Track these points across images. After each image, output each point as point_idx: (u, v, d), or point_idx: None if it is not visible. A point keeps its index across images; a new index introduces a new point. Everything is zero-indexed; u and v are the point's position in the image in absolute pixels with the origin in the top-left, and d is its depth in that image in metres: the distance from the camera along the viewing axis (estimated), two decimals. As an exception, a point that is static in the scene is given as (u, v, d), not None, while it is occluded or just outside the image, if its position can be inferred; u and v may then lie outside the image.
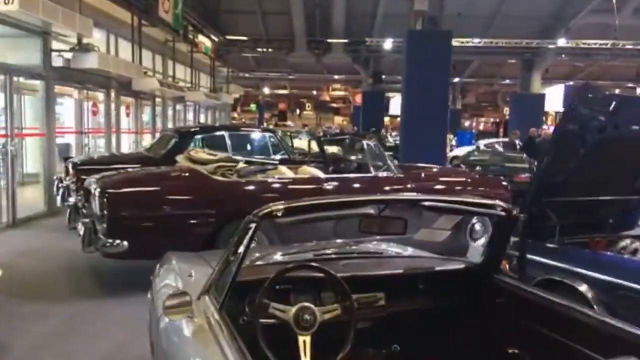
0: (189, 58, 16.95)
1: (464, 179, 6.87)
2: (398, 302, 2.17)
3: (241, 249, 1.83)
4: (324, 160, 6.63)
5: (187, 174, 5.38)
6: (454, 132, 26.06)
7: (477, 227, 5.72)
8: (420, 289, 2.27)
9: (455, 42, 15.79)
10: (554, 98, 26.91)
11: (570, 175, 3.59)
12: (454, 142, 22.59)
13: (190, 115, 19.09)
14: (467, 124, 40.74)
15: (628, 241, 3.62)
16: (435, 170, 7.23)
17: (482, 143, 18.58)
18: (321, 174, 5.83)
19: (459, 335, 2.26)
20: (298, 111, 46.70)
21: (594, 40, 20.80)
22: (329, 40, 21.76)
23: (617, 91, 29.54)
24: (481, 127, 40.59)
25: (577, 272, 3.14)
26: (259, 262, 2.37)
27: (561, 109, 22.47)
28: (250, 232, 1.83)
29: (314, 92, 43.47)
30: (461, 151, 17.60)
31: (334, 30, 20.90)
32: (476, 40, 20.44)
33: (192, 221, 4.95)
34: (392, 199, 2.16)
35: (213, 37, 19.26)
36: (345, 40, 21.79)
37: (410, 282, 2.24)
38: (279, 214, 1.79)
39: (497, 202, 2.08)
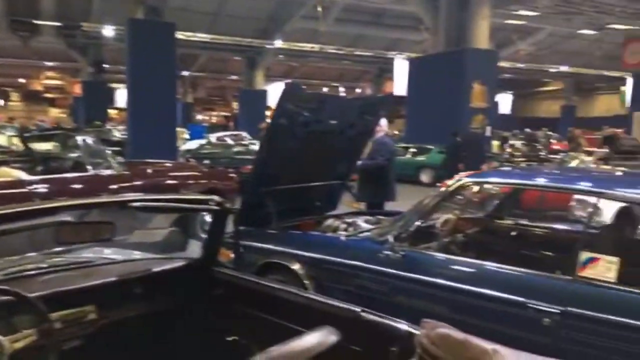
0: None
1: (193, 173, 6.89)
2: (112, 312, 2.01)
3: None
4: (30, 160, 5.76)
5: None
6: (186, 125, 25.99)
7: (208, 218, 5.79)
8: (138, 294, 2.15)
9: (180, 35, 15.66)
10: (276, 94, 29.25)
11: (284, 165, 3.92)
12: (186, 136, 22.53)
13: None
14: (199, 117, 41.11)
15: (331, 220, 4.16)
16: (163, 165, 7.06)
17: (213, 136, 19.01)
18: (24, 176, 5.03)
19: (180, 333, 2.23)
20: (2, 102, 39.67)
21: (305, 43, 23.42)
22: (36, 22, 19.01)
23: (324, 89, 34.09)
24: (213, 120, 41.52)
25: (290, 252, 3.46)
26: None
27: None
28: None
29: (22, 80, 37.47)
30: (194, 145, 17.65)
31: (43, 11, 18.34)
32: (201, 35, 20.71)
33: None
34: (91, 203, 1.97)
35: None
36: (58, 24, 19.37)
37: (125, 289, 2.09)
38: None
39: (211, 197, 2.10)
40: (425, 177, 13.86)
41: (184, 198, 2.11)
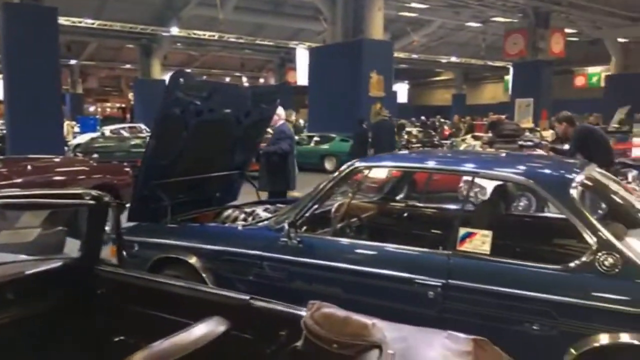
0: None
1: (83, 168, 6.46)
2: None
3: None
4: None
5: None
6: (75, 118, 24.26)
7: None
8: (11, 299, 1.98)
9: (64, 21, 14.52)
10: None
11: (177, 156, 3.79)
12: (77, 129, 21.02)
13: None
14: (91, 109, 38.51)
15: (230, 211, 4.11)
16: (49, 161, 6.54)
17: (107, 129, 17.92)
18: None
19: (62, 337, 2.09)
20: None
21: (203, 31, 22.74)
22: None
23: (227, 79, 33.46)
24: (107, 112, 39.10)
25: (187, 246, 3.37)
26: None
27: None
28: None
29: None
30: (85, 138, 16.53)
31: None
32: (89, 20, 19.35)
33: None
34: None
35: None
36: None
37: None
38: None
39: (87, 190, 1.98)
40: (329, 165, 14.15)
41: (53, 193, 1.97)
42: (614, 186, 3.12)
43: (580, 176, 2.67)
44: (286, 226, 2.99)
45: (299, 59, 22.41)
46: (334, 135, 14.60)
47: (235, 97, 4.11)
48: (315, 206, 3.15)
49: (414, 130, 19.79)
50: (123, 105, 39.14)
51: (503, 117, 19.94)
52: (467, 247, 2.64)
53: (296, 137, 16.12)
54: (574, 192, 2.52)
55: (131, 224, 3.98)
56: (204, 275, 3.27)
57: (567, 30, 22.50)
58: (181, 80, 3.40)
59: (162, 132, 3.60)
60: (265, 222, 3.39)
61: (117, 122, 26.36)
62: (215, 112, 3.87)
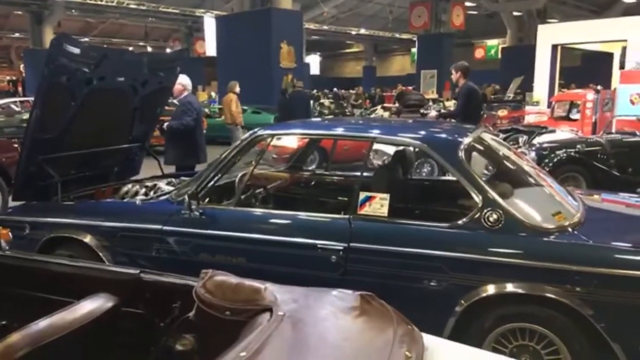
0: None
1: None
2: None
3: None
4: None
5: None
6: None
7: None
8: None
9: None
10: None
11: (66, 128, 3.52)
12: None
13: None
14: (-24, 83, 34.84)
15: (130, 186, 3.91)
16: None
17: (-5, 104, 16.29)
18: None
19: None
20: None
21: (101, -3, 21.19)
22: None
23: (130, 49, 31.56)
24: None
25: (80, 224, 3.17)
26: None
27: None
28: None
29: None
30: (-32, 114, 14.92)
31: None
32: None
33: None
34: None
35: None
36: None
37: None
38: None
39: None
40: (242, 137, 13.91)
41: None
42: (502, 149, 3.33)
43: (469, 139, 2.82)
44: (187, 198, 2.90)
45: (207, 29, 21.61)
46: (245, 107, 14.34)
47: (129, 65, 3.86)
48: (218, 177, 3.07)
49: (326, 102, 19.98)
50: (14, 78, 35.72)
51: (410, 88, 20.71)
52: (366, 210, 2.71)
53: (206, 110, 15.75)
54: (463, 154, 2.65)
55: (18, 203, 3.68)
56: (100, 254, 3.10)
57: (467, 4, 23.59)
58: (65, 45, 3.13)
59: (47, 102, 3.31)
60: (166, 196, 3.27)
61: (8, 96, 24.03)
62: (107, 80, 3.62)
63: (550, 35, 14.60)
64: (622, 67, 12.92)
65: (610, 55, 16.54)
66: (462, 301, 2.46)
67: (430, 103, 14.45)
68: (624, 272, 2.28)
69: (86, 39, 27.64)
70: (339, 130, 3.37)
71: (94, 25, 29.72)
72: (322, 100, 20.31)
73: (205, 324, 1.55)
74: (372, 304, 1.42)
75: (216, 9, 22.99)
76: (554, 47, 14.38)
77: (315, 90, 22.30)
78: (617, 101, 9.77)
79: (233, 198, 3.18)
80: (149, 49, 33.29)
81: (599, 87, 10.76)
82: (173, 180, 4.10)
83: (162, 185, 3.89)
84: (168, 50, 33.39)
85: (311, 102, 13.66)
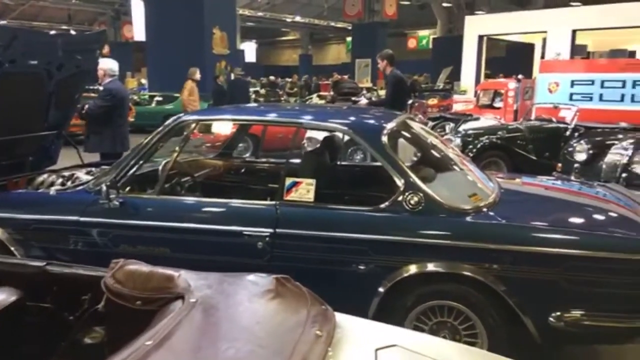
0: None
1: None
2: None
3: None
4: None
5: None
6: None
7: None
8: None
9: None
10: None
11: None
12: None
13: None
14: None
15: (45, 176, 3.69)
16: None
17: None
18: None
19: None
20: None
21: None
22: None
23: (52, 32, 29.73)
24: None
25: (-11, 216, 2.96)
26: None
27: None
28: None
29: None
30: None
31: None
32: None
33: None
34: None
35: None
36: None
37: None
38: None
39: None
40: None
41: None
42: (425, 135, 3.43)
43: (392, 124, 2.87)
44: (104, 187, 2.77)
45: (134, 12, 20.70)
46: (177, 94, 13.92)
47: (43, 46, 3.62)
48: (138, 164, 2.96)
49: (262, 90, 19.80)
50: None
51: (346, 77, 20.90)
52: (292, 196, 2.71)
53: (134, 97, 15.13)
54: (386, 139, 2.71)
55: None
56: (12, 248, 2.91)
57: (400, -6, 24.05)
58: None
59: None
60: (83, 186, 3.11)
61: None
62: (18, 63, 3.38)
63: (477, 26, 15.20)
64: (543, 57, 13.69)
65: (532, 46, 17.46)
66: (386, 282, 2.53)
67: (365, 91, 14.66)
68: (533, 249, 2.43)
69: (3, 22, 25.71)
70: (266, 116, 3.33)
71: (12, 7, 27.70)
72: (256, 88, 20.13)
73: (116, 315, 1.49)
74: (287, 286, 1.42)
75: (145, -9, 22.06)
76: (480, 37, 15.00)
77: (249, 78, 21.98)
78: (536, 89, 10.34)
79: (157, 186, 3.07)
80: (73, 33, 31.52)
81: (520, 77, 11.32)
82: (93, 169, 3.91)
83: (81, 175, 3.70)
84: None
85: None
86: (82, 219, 2.86)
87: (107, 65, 5.59)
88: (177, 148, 3.03)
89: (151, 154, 3.01)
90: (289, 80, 24.13)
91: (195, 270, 1.60)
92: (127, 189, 2.97)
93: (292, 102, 14.19)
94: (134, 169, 2.94)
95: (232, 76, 11.20)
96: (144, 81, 20.96)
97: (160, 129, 3.02)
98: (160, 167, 3.28)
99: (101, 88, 5.91)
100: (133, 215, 2.81)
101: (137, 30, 20.60)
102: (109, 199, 2.78)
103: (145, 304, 1.42)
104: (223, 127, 4.38)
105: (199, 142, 6.70)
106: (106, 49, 28.40)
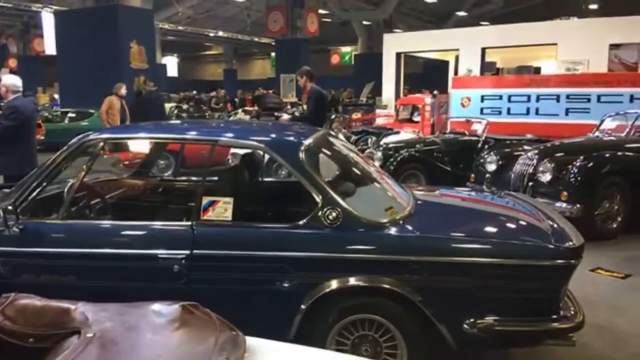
0: None
1: None
2: None
3: None
4: None
5: None
6: None
7: None
8: None
9: None
10: None
11: None
12: None
13: None
14: None
15: None
16: None
17: None
18: None
19: None
20: None
21: None
22: None
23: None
24: None
25: None
26: None
27: None
28: None
29: None
30: None
31: None
32: None
33: None
34: None
35: None
36: None
37: None
38: None
39: None
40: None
41: None
42: (344, 150, 3.47)
43: (309, 140, 2.88)
44: (1, 213, 2.55)
45: (45, 25, 19.59)
46: (92, 110, 13.26)
47: None
48: (41, 187, 2.75)
49: (185, 105, 19.33)
50: None
51: (270, 91, 20.90)
52: (209, 215, 2.63)
53: (45, 113, 14.25)
54: (303, 156, 2.70)
55: None
56: None
57: (321, 11, 24.50)
58: None
59: None
60: (-21, 211, 2.84)
61: None
62: None
63: (395, 44, 15.79)
64: (456, 73, 14.44)
65: (447, 63, 18.39)
66: (307, 298, 2.50)
67: (289, 106, 14.74)
68: (446, 259, 2.51)
69: None
70: (181, 134, 3.23)
71: None
72: (179, 104, 19.62)
73: (7, 355, 1.36)
74: (194, 313, 1.36)
75: (55, 4, 20.95)
76: (398, 55, 15.58)
77: (168, 95, 21.40)
78: (450, 104, 10.88)
79: (62, 210, 2.87)
80: (-25, 46, 29.28)
81: (435, 92, 11.87)
82: (-7, 193, 3.61)
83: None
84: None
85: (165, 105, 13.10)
86: (-26, 248, 2.62)
87: (10, 81, 5.24)
88: (84, 168, 2.85)
89: (55, 176, 2.81)
90: (213, 94, 23.76)
91: (106, 299, 1.50)
92: (29, 214, 2.75)
93: (216, 118, 13.94)
94: (36, 192, 2.74)
95: (142, 91, 10.81)
96: (56, 96, 19.79)
97: (65, 148, 2.84)
98: (65, 190, 3.08)
99: (3, 105, 5.51)
100: (35, 242, 2.61)
101: (48, 44, 19.48)
102: (7, 226, 2.56)
103: (38, 342, 1.31)
104: (138, 145, 4.20)
105: (114, 161, 6.40)
106: (13, 63, 26.70)
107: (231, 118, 12.89)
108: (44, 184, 2.77)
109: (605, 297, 3.93)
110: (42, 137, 10.58)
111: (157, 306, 1.39)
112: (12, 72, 21.86)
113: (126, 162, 4.40)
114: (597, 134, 6.66)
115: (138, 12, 14.22)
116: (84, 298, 1.47)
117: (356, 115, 14.69)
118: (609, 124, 6.76)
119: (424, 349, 2.52)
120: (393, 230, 2.60)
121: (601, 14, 20.98)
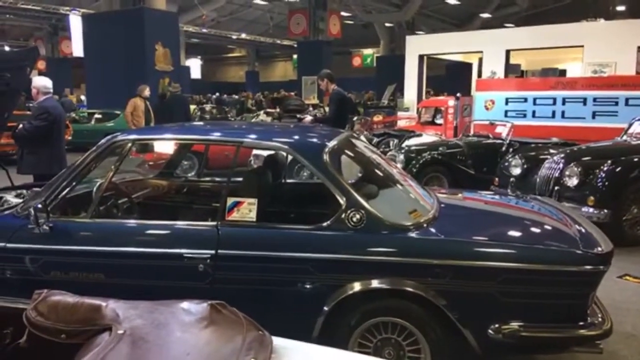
0: None
1: None
2: None
3: None
4: None
5: None
6: None
7: None
8: None
9: None
10: None
11: None
12: None
13: None
14: None
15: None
16: None
17: None
18: None
19: None
20: None
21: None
22: None
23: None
24: None
25: None
26: None
27: None
28: None
29: None
30: None
31: None
32: None
33: None
34: None
35: None
36: None
37: None
38: None
39: None
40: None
41: None
42: (368, 152, 3.46)
43: (334, 142, 2.88)
44: (32, 211, 2.62)
45: (73, 28, 19.99)
46: (118, 111, 13.50)
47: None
48: (70, 186, 2.82)
49: (208, 107, 19.53)
50: None
51: (293, 93, 20.99)
52: (234, 216, 2.66)
53: (73, 114, 14.57)
54: (327, 157, 2.71)
55: None
56: None
57: (343, 14, 24.52)
58: None
59: None
60: (11, 210, 2.93)
61: None
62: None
63: (417, 46, 15.69)
64: (479, 76, 14.29)
65: (470, 65, 18.20)
66: (330, 300, 2.51)
67: (311, 108, 14.77)
68: (471, 263, 2.48)
69: None
70: (207, 135, 3.27)
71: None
72: (203, 106, 19.83)
73: (40, 350, 1.40)
74: (222, 313, 1.38)
75: (83, 6, 21.41)
76: (421, 57, 15.48)
77: (192, 96, 21.65)
78: (474, 107, 10.76)
79: (91, 209, 2.93)
80: (7, 49, 30.11)
81: (458, 95, 11.76)
82: (24, 192, 3.70)
83: (10, 197, 3.49)
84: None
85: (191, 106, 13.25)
86: (9, 245, 2.69)
87: (41, 82, 5.36)
88: (112, 168, 2.90)
89: (84, 175, 2.87)
90: (243, 95, 23.92)
91: (132, 296, 1.53)
92: (58, 212, 2.82)
93: (239, 120, 14.05)
94: (66, 191, 2.80)
95: (166, 92, 10.95)
96: (83, 98, 20.21)
97: (94, 149, 2.90)
98: (94, 189, 3.15)
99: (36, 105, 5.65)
100: (64, 240, 2.67)
101: (76, 46, 19.88)
102: (37, 224, 2.63)
103: (70, 338, 1.34)
104: (164, 146, 4.26)
105: (139, 162, 6.51)
106: (42, 65, 27.33)
107: (253, 120, 12.98)
108: (74, 183, 2.83)
109: (633, 304, 3.85)
110: (70, 138, 10.81)
111: (186, 304, 1.41)
112: (41, 73, 22.38)
113: (151, 163, 4.48)
114: (625, 137, 6.51)
115: (163, 14, 14.44)
116: (110, 295, 1.50)
117: (378, 118, 14.62)
118: (638, 127, 6.60)
119: (448, 353, 2.50)
120: (417, 234, 2.59)
121: (629, 15, 20.51)
